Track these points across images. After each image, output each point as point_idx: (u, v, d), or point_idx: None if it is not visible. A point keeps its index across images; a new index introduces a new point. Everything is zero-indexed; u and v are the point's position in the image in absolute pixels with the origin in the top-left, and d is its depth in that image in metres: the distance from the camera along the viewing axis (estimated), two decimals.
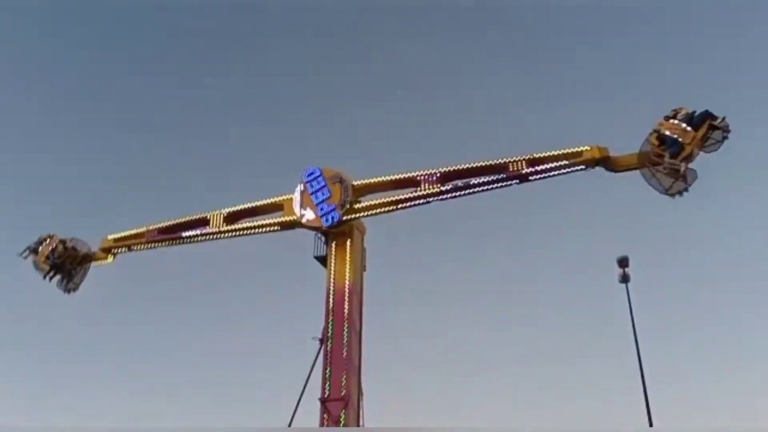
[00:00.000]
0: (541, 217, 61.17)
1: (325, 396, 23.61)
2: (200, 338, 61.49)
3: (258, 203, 27.59)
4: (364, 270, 26.71)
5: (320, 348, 24.74)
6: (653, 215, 58.58)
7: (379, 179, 26.15)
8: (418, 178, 25.12)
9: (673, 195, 21.91)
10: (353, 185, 26.02)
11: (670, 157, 21.45)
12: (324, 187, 25.94)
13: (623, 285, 24.78)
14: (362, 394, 24.81)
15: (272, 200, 27.28)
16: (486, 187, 24.41)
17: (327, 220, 25.66)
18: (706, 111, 21.74)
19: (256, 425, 22.45)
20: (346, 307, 24.93)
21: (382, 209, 25.83)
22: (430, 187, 24.78)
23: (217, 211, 27.68)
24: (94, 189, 65.08)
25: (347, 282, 25.34)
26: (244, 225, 27.55)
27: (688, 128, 21.47)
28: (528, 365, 52.86)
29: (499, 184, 24.23)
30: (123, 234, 29.33)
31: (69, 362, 57.57)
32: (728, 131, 21.36)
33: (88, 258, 29.48)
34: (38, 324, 55.66)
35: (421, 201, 25.07)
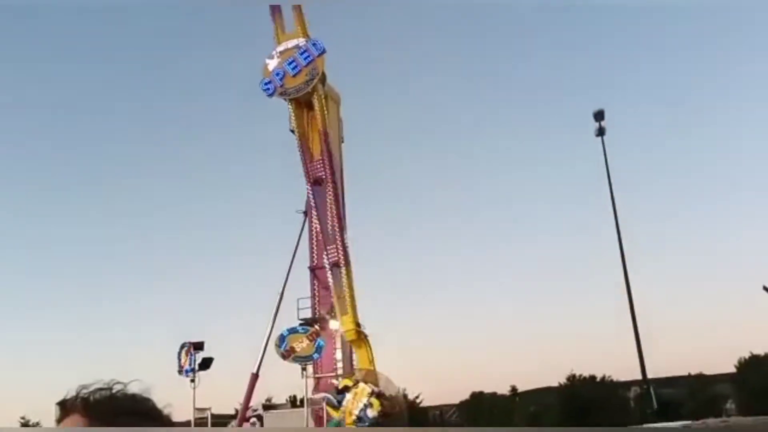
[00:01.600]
0: (515, 71, 60.56)
1: (314, 264, 24.51)
2: (190, 212, 62.56)
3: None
4: (342, 141, 26.75)
5: (305, 220, 25.31)
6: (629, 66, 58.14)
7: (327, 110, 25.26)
8: (322, 170, 24.74)
9: None
10: (321, 87, 25.05)
11: None
12: (302, 66, 24.74)
13: (599, 138, 25.26)
14: (349, 262, 25.72)
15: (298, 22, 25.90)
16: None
17: (264, 85, 25.16)
18: None
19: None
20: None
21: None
22: (310, 178, 24.73)
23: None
24: None
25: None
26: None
27: None
28: (509, 244, 54.62)
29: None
30: None
31: None
32: None
33: None
34: None
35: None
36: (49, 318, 56.92)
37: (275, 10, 26.19)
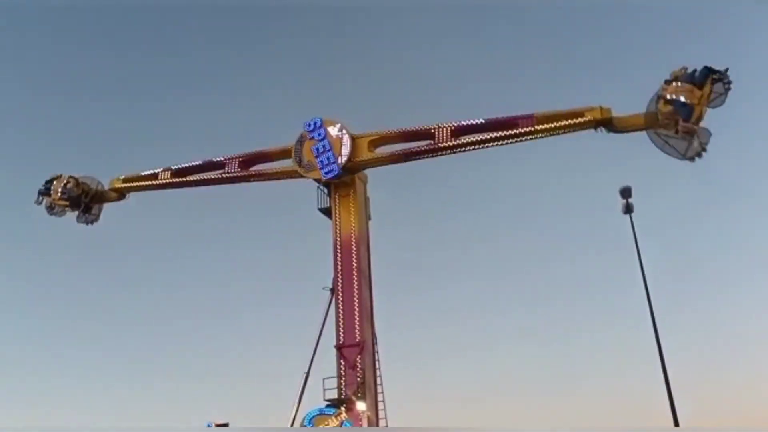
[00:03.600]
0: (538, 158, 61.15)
1: (341, 343, 24.24)
2: (214, 294, 62.71)
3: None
4: (369, 219, 27.01)
5: (331, 297, 25.26)
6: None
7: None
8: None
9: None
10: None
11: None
12: (317, 154, 25.73)
13: (627, 216, 24.99)
14: (376, 339, 25.44)
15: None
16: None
17: (310, 120, 26.14)
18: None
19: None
20: (354, 255, 25.33)
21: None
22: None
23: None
24: (104, 132, 65.81)
25: (353, 231, 25.67)
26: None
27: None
28: (533, 309, 53.69)
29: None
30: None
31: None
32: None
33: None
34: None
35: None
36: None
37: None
